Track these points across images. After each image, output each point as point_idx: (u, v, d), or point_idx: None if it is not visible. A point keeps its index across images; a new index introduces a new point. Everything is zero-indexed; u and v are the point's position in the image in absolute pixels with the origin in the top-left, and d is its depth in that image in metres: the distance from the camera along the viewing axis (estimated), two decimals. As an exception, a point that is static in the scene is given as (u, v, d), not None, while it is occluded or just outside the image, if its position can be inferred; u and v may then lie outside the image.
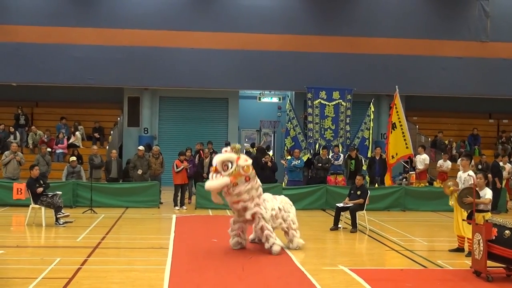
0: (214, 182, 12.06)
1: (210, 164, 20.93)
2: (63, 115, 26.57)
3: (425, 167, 21.96)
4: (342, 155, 22.68)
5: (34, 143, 24.97)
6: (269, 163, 21.50)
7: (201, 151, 21.75)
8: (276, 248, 12.32)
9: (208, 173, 20.91)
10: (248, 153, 23.52)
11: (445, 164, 22.05)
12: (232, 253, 12.32)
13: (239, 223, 12.74)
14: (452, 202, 13.24)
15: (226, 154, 12.31)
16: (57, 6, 25.29)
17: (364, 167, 22.46)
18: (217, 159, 12.20)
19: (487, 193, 12.00)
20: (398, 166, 24.62)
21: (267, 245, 12.33)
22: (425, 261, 12.21)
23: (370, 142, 24.03)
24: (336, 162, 22.41)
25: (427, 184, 22.19)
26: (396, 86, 22.12)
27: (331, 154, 23.01)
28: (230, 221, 12.96)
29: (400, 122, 21.69)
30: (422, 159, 21.91)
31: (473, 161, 14.67)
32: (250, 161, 12.44)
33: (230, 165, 12.07)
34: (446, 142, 26.65)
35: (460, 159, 14.04)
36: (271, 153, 24.12)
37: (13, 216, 17.60)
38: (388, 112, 27.67)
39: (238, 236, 12.79)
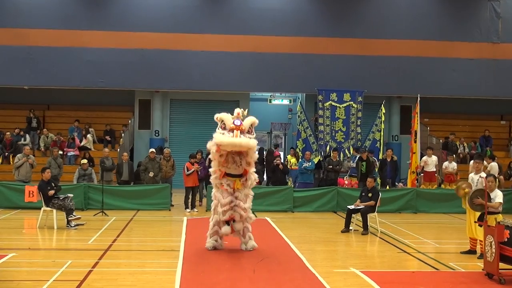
0: (244, 139, 12.24)
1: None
2: (75, 118, 26.66)
3: (436, 168, 21.92)
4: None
5: (46, 146, 25.07)
6: (280, 166, 21.49)
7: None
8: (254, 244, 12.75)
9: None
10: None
11: (450, 165, 21.97)
12: (243, 255, 12.31)
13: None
14: (465, 205, 13.20)
15: (251, 118, 12.75)
16: (69, 9, 25.36)
17: (377, 169, 22.42)
18: (247, 119, 12.56)
19: (497, 196, 11.95)
20: (408, 168, 24.56)
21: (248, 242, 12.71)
22: (437, 263, 12.17)
23: (381, 144, 23.97)
24: (353, 164, 22.46)
25: (436, 186, 22.13)
26: (418, 95, 22.21)
27: (347, 156, 23.12)
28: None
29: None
30: (433, 161, 21.86)
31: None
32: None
33: (253, 128, 12.69)
34: (457, 143, 26.54)
35: (472, 161, 14.00)
36: (281, 154, 24.09)
37: (25, 219, 17.70)
38: (399, 113, 27.86)
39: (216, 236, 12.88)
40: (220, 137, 12.31)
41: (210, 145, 12.66)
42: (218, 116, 12.76)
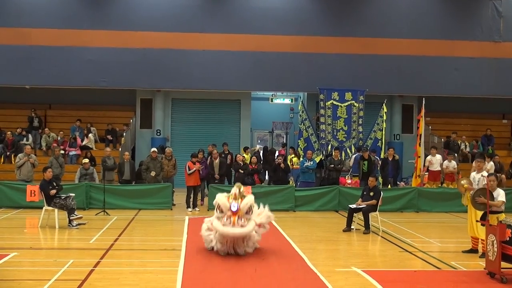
0: (245, 229, 12.00)
1: (220, 166, 21.14)
2: (77, 117, 26.68)
3: (441, 167, 21.93)
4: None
5: (48, 145, 25.08)
6: (282, 165, 21.50)
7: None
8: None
9: (219, 174, 21.13)
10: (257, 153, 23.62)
11: (450, 164, 21.96)
12: (245, 255, 12.28)
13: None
14: (465, 201, 13.21)
15: (249, 198, 12.43)
16: (71, 9, 25.35)
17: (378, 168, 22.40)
18: (245, 204, 12.22)
19: (499, 194, 11.94)
20: (410, 167, 24.55)
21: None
22: (439, 262, 12.17)
23: (383, 143, 23.94)
24: (350, 162, 22.41)
25: (440, 185, 22.12)
26: (423, 98, 22.23)
27: (348, 155, 23.16)
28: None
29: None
30: (437, 160, 21.86)
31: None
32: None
33: (252, 208, 12.39)
34: (459, 142, 26.51)
35: (474, 160, 14.00)
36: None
37: (26, 218, 17.68)
38: (401, 112, 27.84)
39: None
40: (217, 225, 12.08)
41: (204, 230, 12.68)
42: (215, 200, 12.56)
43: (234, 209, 12.10)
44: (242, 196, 12.45)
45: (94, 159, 22.80)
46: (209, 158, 21.50)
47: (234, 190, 12.56)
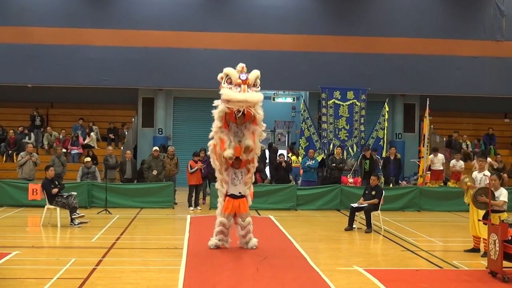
0: (252, 93, 12.19)
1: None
2: (79, 116, 26.69)
3: (443, 167, 21.92)
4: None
5: (50, 144, 25.09)
6: (283, 163, 21.50)
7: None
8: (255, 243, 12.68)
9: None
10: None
11: (458, 164, 21.93)
12: (246, 253, 12.28)
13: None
14: (467, 199, 13.21)
15: (255, 71, 12.64)
16: (73, 7, 25.38)
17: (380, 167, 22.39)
18: (252, 73, 12.48)
19: (502, 194, 11.94)
20: (413, 166, 24.55)
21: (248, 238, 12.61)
22: (441, 261, 12.17)
23: (385, 142, 23.91)
24: (352, 161, 22.42)
25: (442, 184, 22.10)
26: (428, 98, 22.22)
27: (350, 154, 23.22)
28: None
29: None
30: (439, 159, 21.84)
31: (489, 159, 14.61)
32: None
33: (259, 82, 12.59)
34: (461, 141, 26.49)
35: (476, 159, 14.00)
36: (284, 152, 24.12)
37: (28, 217, 17.73)
38: (403, 111, 27.82)
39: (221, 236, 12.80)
40: (228, 92, 12.19)
41: (218, 103, 12.69)
42: (223, 72, 12.66)
43: (243, 77, 12.26)
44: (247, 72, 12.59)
45: (96, 157, 22.83)
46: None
47: (242, 64, 12.71)
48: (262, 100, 12.43)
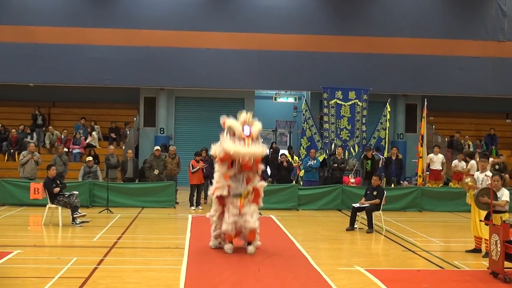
0: (257, 148, 12.12)
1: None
2: (81, 115, 26.71)
3: (443, 167, 21.88)
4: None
5: (51, 143, 25.10)
6: (285, 163, 21.51)
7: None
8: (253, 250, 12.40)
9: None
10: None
11: (460, 164, 21.90)
12: (247, 253, 12.29)
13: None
14: (469, 199, 13.21)
15: (258, 124, 12.55)
16: (75, 7, 25.40)
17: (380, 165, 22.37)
18: (255, 127, 12.33)
19: (504, 194, 11.93)
20: (415, 166, 24.52)
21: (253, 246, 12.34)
22: (442, 261, 12.16)
23: (387, 142, 23.90)
24: (354, 161, 22.45)
25: (442, 184, 22.08)
26: (425, 99, 22.26)
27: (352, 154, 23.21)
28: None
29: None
30: (439, 159, 21.82)
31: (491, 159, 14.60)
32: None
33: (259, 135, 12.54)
34: (463, 141, 26.46)
35: (478, 159, 13.99)
36: (286, 152, 24.13)
37: (30, 216, 17.73)
38: (404, 112, 27.82)
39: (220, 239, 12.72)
40: (231, 146, 12.05)
41: (217, 151, 12.51)
42: (226, 122, 12.51)
43: (247, 132, 12.15)
44: (251, 123, 12.47)
45: (98, 157, 22.83)
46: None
47: (244, 116, 12.51)
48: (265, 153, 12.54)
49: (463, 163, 21.98)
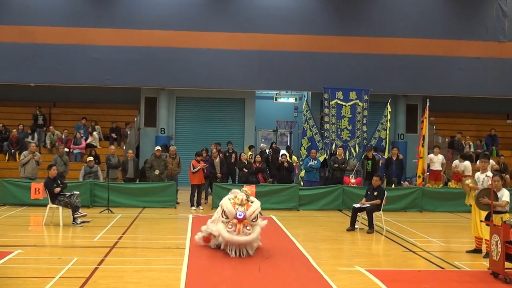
0: (253, 236, 11.85)
1: (221, 164, 21.19)
2: (81, 115, 26.72)
3: (443, 168, 21.88)
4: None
5: (52, 143, 25.11)
6: (285, 164, 21.52)
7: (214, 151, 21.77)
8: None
9: (220, 173, 21.16)
10: (262, 153, 23.62)
11: (460, 164, 21.91)
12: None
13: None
14: (469, 200, 13.21)
15: (256, 205, 12.18)
16: (75, 7, 25.42)
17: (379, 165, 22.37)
18: (251, 212, 11.96)
19: (504, 195, 11.94)
20: (414, 166, 24.51)
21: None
22: (442, 262, 12.17)
23: (387, 142, 23.89)
24: (354, 161, 22.47)
25: (442, 185, 22.07)
26: (428, 100, 22.23)
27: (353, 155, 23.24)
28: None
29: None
30: (439, 159, 21.81)
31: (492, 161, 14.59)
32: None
33: (258, 214, 12.19)
34: (463, 142, 26.45)
35: (479, 160, 13.99)
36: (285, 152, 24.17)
37: (31, 216, 17.72)
38: (405, 112, 27.81)
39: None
40: (221, 230, 11.85)
41: (207, 229, 12.54)
42: (222, 201, 12.30)
43: (240, 217, 11.88)
44: (248, 202, 12.22)
45: (99, 157, 22.83)
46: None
47: (241, 196, 12.25)
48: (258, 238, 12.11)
49: (463, 165, 21.99)
